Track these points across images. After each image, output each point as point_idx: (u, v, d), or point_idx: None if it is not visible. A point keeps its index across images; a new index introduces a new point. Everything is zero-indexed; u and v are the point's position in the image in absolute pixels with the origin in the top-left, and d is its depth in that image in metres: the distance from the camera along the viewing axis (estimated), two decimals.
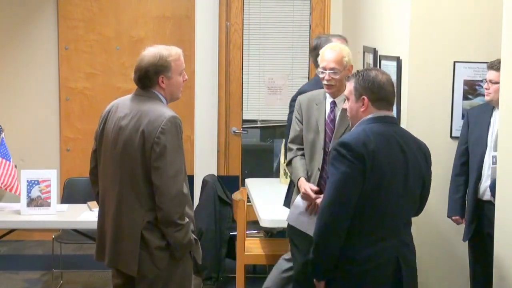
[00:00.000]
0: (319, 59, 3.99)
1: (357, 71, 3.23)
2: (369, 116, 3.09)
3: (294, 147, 4.08)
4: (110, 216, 3.37)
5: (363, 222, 2.99)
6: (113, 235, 3.36)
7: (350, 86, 3.18)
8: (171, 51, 3.34)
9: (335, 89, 3.94)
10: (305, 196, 3.88)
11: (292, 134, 4.10)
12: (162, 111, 3.26)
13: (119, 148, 3.30)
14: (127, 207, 3.29)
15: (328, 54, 3.94)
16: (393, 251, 3.05)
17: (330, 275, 3.03)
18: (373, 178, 2.95)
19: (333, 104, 3.97)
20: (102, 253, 3.45)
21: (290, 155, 4.09)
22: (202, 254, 4.92)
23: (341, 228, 2.94)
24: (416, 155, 3.10)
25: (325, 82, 3.92)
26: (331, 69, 3.89)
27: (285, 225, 4.09)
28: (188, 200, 3.33)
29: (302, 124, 4.04)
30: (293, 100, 4.36)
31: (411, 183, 3.08)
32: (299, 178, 3.94)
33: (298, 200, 3.91)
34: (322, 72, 3.92)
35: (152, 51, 3.33)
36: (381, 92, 3.11)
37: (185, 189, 3.24)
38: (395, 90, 3.19)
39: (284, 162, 4.16)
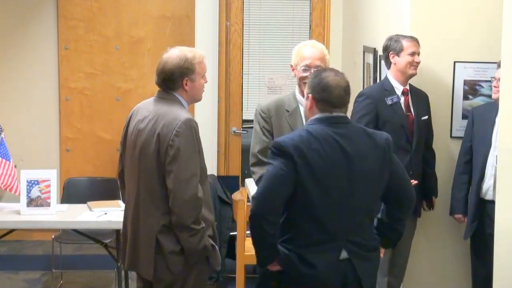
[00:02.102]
0: (295, 57, 3.75)
1: (318, 69, 3.20)
2: (315, 116, 3.05)
3: (264, 159, 3.63)
4: (130, 219, 3.37)
5: (305, 223, 2.98)
6: (131, 238, 3.36)
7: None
8: (196, 54, 3.32)
9: None
10: None
11: (260, 145, 3.74)
12: (178, 113, 3.22)
13: (137, 151, 3.29)
14: (144, 210, 3.28)
15: (310, 52, 3.72)
16: (336, 253, 3.00)
17: (271, 262, 3.03)
18: (305, 178, 2.93)
19: None
20: (124, 256, 3.46)
21: (260, 169, 3.69)
22: None
23: (264, 221, 2.92)
24: (366, 154, 3.01)
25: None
26: (316, 66, 3.67)
27: None
28: (207, 204, 3.29)
29: (272, 135, 3.73)
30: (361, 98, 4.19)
31: (359, 186, 3.00)
32: None
33: None
34: (305, 70, 3.67)
35: (176, 53, 3.30)
36: (324, 93, 3.03)
37: (200, 193, 3.18)
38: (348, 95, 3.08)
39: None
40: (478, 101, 4.46)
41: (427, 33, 4.39)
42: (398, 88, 4.23)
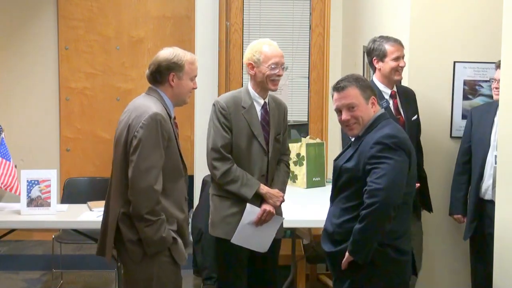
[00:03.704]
0: (257, 55, 3.79)
1: (347, 76, 3.25)
2: (378, 114, 3.22)
3: (227, 155, 3.78)
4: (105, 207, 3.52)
5: (398, 214, 3.10)
6: (102, 224, 3.49)
7: (354, 91, 3.17)
8: (188, 54, 3.43)
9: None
10: (251, 210, 3.78)
11: (222, 141, 3.76)
12: (149, 107, 3.32)
13: (115, 141, 3.42)
14: (112, 197, 3.40)
15: (274, 50, 3.81)
16: (410, 238, 3.28)
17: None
18: (412, 169, 3.15)
19: (265, 105, 3.87)
20: None
21: (223, 165, 3.75)
22: (202, 254, 4.88)
23: (392, 211, 3.04)
24: None
25: (276, 78, 3.80)
26: (282, 64, 3.82)
27: (285, 225, 4.07)
28: (176, 202, 3.35)
29: (231, 131, 3.78)
30: None
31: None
32: (259, 186, 3.78)
33: (247, 213, 3.78)
34: (274, 68, 3.77)
35: (169, 49, 3.42)
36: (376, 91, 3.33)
37: (158, 186, 3.24)
38: None
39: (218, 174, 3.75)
40: (478, 101, 4.46)
41: (427, 33, 4.39)
42: (386, 92, 4.16)
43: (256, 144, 3.82)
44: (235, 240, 3.80)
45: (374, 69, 4.19)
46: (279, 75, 3.81)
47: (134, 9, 6.44)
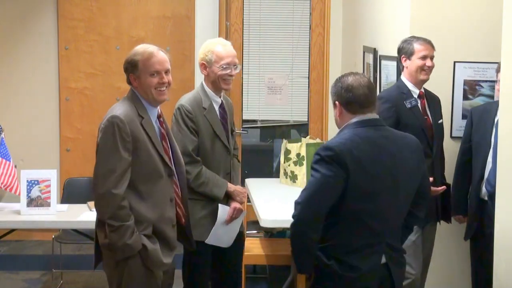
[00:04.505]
0: (209, 55, 3.85)
1: (342, 75, 3.14)
2: (353, 120, 3.01)
3: (197, 158, 3.86)
4: None
5: (349, 229, 2.96)
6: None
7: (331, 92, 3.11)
8: (145, 50, 3.28)
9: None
10: (224, 209, 3.88)
11: (192, 145, 3.83)
12: (112, 110, 3.24)
13: None
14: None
15: (226, 50, 3.87)
16: (378, 257, 3.01)
17: (311, 271, 3.03)
18: (358, 184, 2.90)
19: (222, 103, 3.95)
20: None
21: (194, 168, 3.82)
22: None
23: (308, 227, 2.91)
24: (406, 155, 3.03)
25: (228, 78, 3.87)
26: (235, 64, 3.88)
27: (285, 225, 4.07)
28: (153, 203, 3.25)
29: (197, 134, 3.85)
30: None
31: (402, 187, 3.02)
32: (227, 185, 3.90)
33: (221, 213, 3.86)
34: (226, 68, 3.84)
35: (133, 49, 3.34)
36: (348, 95, 3.00)
37: (117, 190, 3.13)
38: (374, 94, 3.05)
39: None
40: (478, 101, 4.46)
41: (427, 33, 4.38)
42: (415, 91, 4.12)
43: (219, 144, 3.90)
44: (210, 240, 3.88)
45: (402, 68, 4.18)
46: (231, 75, 3.88)
47: (134, 9, 6.44)
